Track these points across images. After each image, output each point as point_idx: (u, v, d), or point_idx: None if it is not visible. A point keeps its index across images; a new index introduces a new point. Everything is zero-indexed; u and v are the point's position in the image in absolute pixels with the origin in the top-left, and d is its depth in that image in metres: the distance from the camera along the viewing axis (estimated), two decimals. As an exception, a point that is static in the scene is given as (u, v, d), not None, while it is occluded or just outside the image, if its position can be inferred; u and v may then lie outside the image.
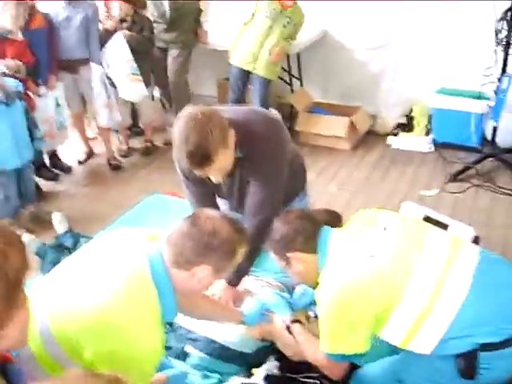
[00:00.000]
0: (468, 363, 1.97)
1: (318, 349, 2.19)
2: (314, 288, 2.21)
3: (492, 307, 1.98)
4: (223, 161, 2.34)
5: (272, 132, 2.56)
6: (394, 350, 2.27)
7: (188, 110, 2.27)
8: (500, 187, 4.32)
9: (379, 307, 1.99)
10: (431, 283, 1.98)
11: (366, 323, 2.02)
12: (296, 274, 2.28)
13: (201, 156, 2.23)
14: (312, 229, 2.23)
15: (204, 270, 1.84)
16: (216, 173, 2.41)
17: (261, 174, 2.56)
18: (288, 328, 2.43)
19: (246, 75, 5.11)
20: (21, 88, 3.83)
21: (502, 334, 1.94)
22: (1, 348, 1.05)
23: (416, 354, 2.11)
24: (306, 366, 2.47)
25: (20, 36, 4.03)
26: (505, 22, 4.13)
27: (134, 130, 5.64)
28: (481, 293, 1.98)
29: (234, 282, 2.67)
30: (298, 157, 2.88)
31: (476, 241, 2.99)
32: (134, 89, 4.79)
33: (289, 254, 2.20)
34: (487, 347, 1.94)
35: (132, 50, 4.67)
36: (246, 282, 2.82)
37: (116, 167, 5.00)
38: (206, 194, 2.76)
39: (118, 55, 4.65)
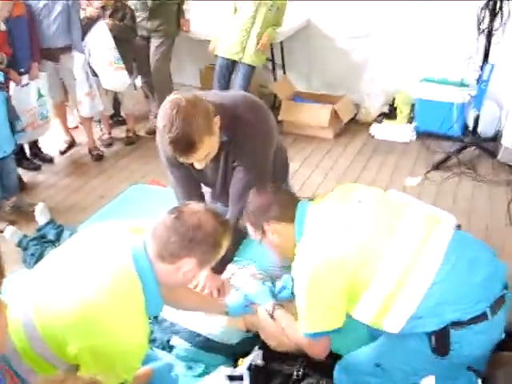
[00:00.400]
0: (440, 340, 2.01)
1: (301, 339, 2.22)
2: (291, 261, 2.22)
3: (461, 286, 2.01)
4: (207, 148, 2.32)
5: (258, 116, 2.55)
6: (373, 336, 2.32)
7: (173, 97, 2.25)
8: (481, 176, 4.36)
9: (354, 280, 2.01)
10: (404, 261, 2.00)
11: (341, 298, 2.04)
12: (272, 245, 2.29)
13: (185, 143, 2.21)
14: (287, 198, 2.26)
15: (188, 264, 1.84)
16: (200, 160, 2.39)
17: (245, 157, 2.54)
18: (271, 315, 2.44)
19: (232, 66, 5.09)
20: (1, 78, 3.77)
21: (470, 312, 1.98)
22: None
23: (391, 339, 2.17)
24: (289, 357, 2.49)
25: (3, 27, 3.95)
26: (487, 11, 4.14)
27: (116, 119, 5.61)
28: (451, 271, 2.00)
29: (217, 269, 2.66)
30: (281, 149, 2.88)
31: (458, 229, 3.01)
32: (116, 77, 4.75)
33: (265, 224, 2.21)
34: (457, 325, 1.98)
35: (114, 39, 4.62)
36: (230, 272, 2.82)
37: (98, 157, 4.96)
38: (190, 180, 2.74)
39: (100, 43, 4.60)
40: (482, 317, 1.99)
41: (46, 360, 1.84)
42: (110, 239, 1.93)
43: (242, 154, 2.53)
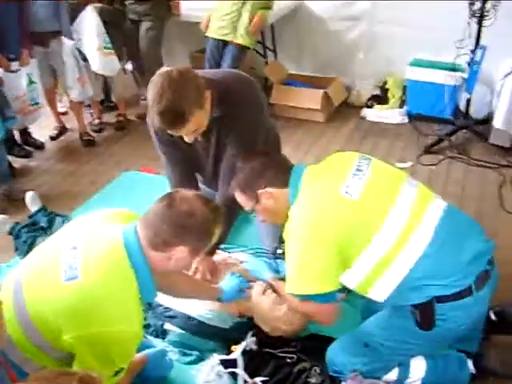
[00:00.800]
0: (425, 314, 2.05)
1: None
2: (282, 224, 2.22)
3: (449, 262, 2.05)
4: (197, 121, 2.29)
5: (249, 91, 2.54)
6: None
7: (165, 69, 2.22)
8: (473, 159, 4.35)
9: (347, 245, 2.03)
10: (397, 232, 2.03)
11: (333, 260, 2.04)
12: (266, 212, 2.27)
13: (174, 114, 2.17)
14: (280, 162, 2.25)
15: (181, 251, 1.84)
16: (189, 133, 2.35)
17: (238, 133, 2.52)
18: (272, 287, 2.44)
19: (222, 46, 5.01)
20: None
21: (455, 287, 2.02)
22: None
23: (377, 317, 2.23)
24: (283, 341, 2.51)
25: None
26: (478, -6, 4.13)
27: (107, 104, 5.56)
28: (440, 247, 2.04)
29: (209, 250, 2.66)
30: (273, 129, 2.86)
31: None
32: (105, 62, 4.69)
33: (258, 190, 2.19)
34: (442, 299, 2.02)
35: (103, 23, 4.57)
36: (222, 257, 2.83)
37: (89, 142, 4.92)
38: (182, 162, 2.73)
39: (89, 28, 4.55)
40: (467, 291, 2.03)
41: (41, 350, 1.84)
42: (102, 228, 1.92)
43: (234, 129, 2.51)
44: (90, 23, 4.54)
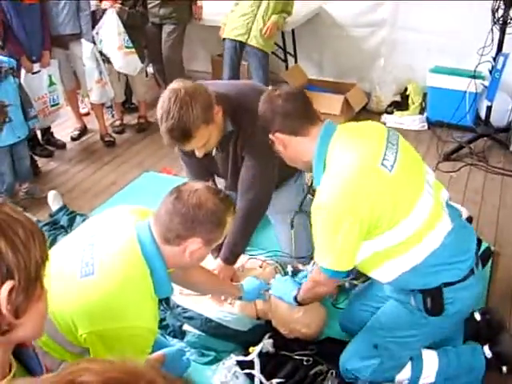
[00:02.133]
0: (435, 300, 2.07)
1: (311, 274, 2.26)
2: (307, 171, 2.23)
3: (461, 250, 2.09)
4: (204, 137, 2.32)
5: None
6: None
7: (172, 85, 2.26)
8: (493, 167, 4.34)
9: (373, 224, 1.96)
10: (424, 217, 2.00)
11: (358, 239, 1.98)
12: (282, 155, 2.24)
13: (180, 132, 2.22)
14: (292, 108, 2.12)
15: (195, 244, 1.83)
16: (198, 148, 2.39)
17: (253, 147, 2.55)
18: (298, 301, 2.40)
19: (240, 49, 5.02)
20: (14, 65, 3.78)
21: (462, 271, 2.07)
22: (16, 338, 1.05)
23: (381, 317, 2.27)
24: (300, 344, 2.52)
25: None
26: (502, 1, 4.10)
27: (128, 106, 5.61)
28: (455, 236, 2.06)
29: (230, 261, 2.69)
30: None
31: (469, 220, 3.02)
32: (127, 61, 4.74)
33: (271, 136, 2.17)
34: (449, 283, 2.06)
35: (125, 25, 4.62)
36: (240, 262, 2.84)
37: (110, 143, 4.98)
38: (201, 169, 2.77)
39: (110, 29, 4.60)
40: (470, 272, 2.08)
41: (59, 344, 1.87)
42: (117, 224, 1.94)
43: (250, 144, 2.54)
44: (110, 24, 4.59)
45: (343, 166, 1.99)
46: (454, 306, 2.09)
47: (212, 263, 2.69)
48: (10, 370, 1.08)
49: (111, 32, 4.60)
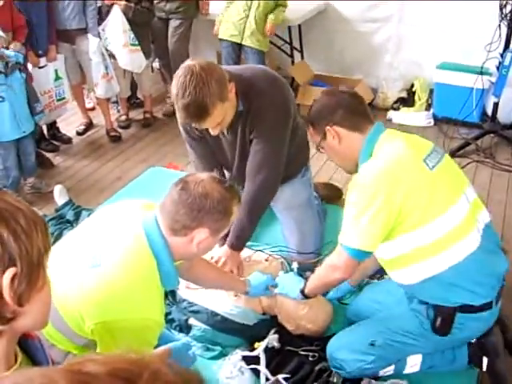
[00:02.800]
0: (446, 321, 2.06)
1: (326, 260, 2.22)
2: (349, 172, 2.24)
3: (486, 269, 2.06)
4: (220, 114, 2.32)
5: (275, 88, 2.55)
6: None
7: (187, 63, 2.26)
8: (500, 163, 4.33)
9: (406, 214, 1.95)
10: (457, 223, 1.99)
11: (387, 223, 1.96)
12: (330, 150, 2.23)
13: (197, 108, 2.21)
14: (356, 105, 2.18)
15: (202, 233, 1.83)
16: (214, 125, 2.39)
17: (263, 128, 2.53)
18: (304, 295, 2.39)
19: (236, 48, 5.07)
20: (21, 59, 3.77)
21: (482, 297, 2.03)
22: (20, 327, 1.06)
23: (388, 319, 2.24)
24: (305, 340, 2.52)
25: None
26: (509, -3, 4.10)
27: (134, 101, 5.61)
28: (483, 253, 2.03)
29: (237, 246, 2.67)
30: (301, 128, 2.86)
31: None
32: (132, 58, 4.75)
33: (326, 127, 2.15)
34: (465, 308, 2.03)
35: (131, 22, 4.63)
36: (246, 255, 2.84)
37: (115, 138, 4.98)
38: (209, 156, 2.76)
39: (115, 26, 4.61)
40: (489, 305, 2.05)
41: (65, 336, 1.87)
42: (122, 217, 1.94)
43: (259, 125, 2.53)
44: (115, 22, 4.60)
45: (388, 153, 2.05)
46: (462, 332, 2.08)
47: (218, 251, 2.68)
48: (16, 361, 1.08)
49: (116, 30, 4.62)
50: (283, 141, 2.59)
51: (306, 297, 2.37)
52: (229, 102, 2.35)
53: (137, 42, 4.71)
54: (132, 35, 4.66)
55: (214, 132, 2.44)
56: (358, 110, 2.17)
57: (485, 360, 2.33)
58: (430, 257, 2.00)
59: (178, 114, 2.34)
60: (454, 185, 2.08)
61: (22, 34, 4.01)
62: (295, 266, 2.78)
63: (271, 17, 4.89)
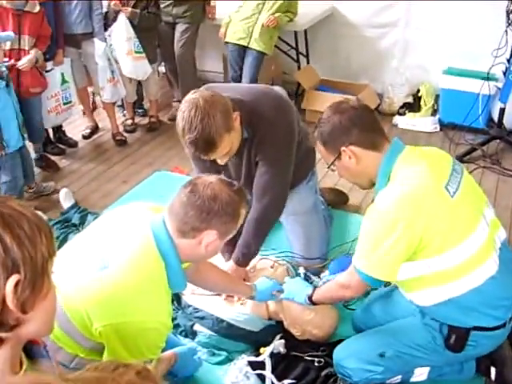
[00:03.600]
0: (460, 339, 2.04)
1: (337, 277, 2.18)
2: (363, 188, 2.17)
3: (502, 292, 2.03)
4: (228, 145, 2.34)
5: (279, 113, 2.55)
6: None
7: (190, 97, 2.27)
8: (506, 169, 4.31)
9: (426, 242, 1.90)
10: (475, 250, 1.95)
11: (407, 252, 1.91)
12: (345, 170, 2.13)
13: (204, 143, 2.23)
14: (370, 123, 2.06)
15: (210, 236, 1.84)
16: (221, 156, 2.41)
17: (268, 153, 2.56)
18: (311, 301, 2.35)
19: (242, 52, 5.07)
20: (4, 68, 3.59)
21: (497, 320, 2.02)
22: (25, 334, 1.05)
23: (400, 331, 2.21)
24: (311, 346, 2.51)
25: (37, 7, 3.89)
26: (516, 2, 4.09)
27: (139, 106, 5.56)
28: (501, 275, 2.00)
29: (242, 263, 2.68)
30: (307, 139, 2.86)
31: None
32: (136, 66, 4.75)
33: (341, 148, 2.04)
34: (479, 328, 2.01)
35: (137, 27, 4.63)
36: (252, 262, 2.83)
37: (121, 142, 4.98)
38: (213, 170, 2.76)
39: (119, 34, 4.61)
40: (503, 324, 2.04)
41: (73, 339, 1.87)
42: (130, 219, 1.95)
43: (264, 150, 2.55)
44: (119, 30, 4.60)
45: (408, 178, 1.96)
46: (475, 349, 2.06)
47: (224, 266, 2.68)
48: (21, 367, 1.08)
49: (120, 38, 4.62)
50: (288, 163, 2.61)
51: (313, 303, 2.36)
52: (234, 132, 2.36)
53: (141, 50, 4.70)
54: (137, 42, 4.66)
55: (221, 161, 2.47)
56: (373, 127, 2.07)
57: (493, 370, 2.33)
58: (448, 281, 1.96)
59: (185, 149, 2.35)
60: (473, 210, 2.02)
61: (44, 44, 4.03)
62: (302, 271, 2.77)
63: (278, 14, 4.90)
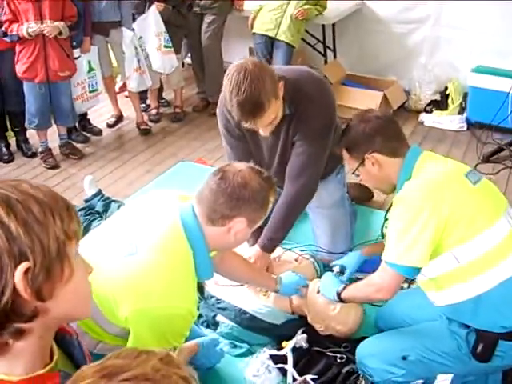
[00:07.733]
0: (487, 347, 1.98)
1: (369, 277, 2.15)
2: (385, 193, 2.26)
3: None
4: (274, 111, 2.31)
5: (322, 93, 2.53)
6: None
7: (239, 62, 2.25)
8: (534, 170, 4.24)
9: (451, 226, 1.90)
10: (499, 240, 1.93)
11: (435, 236, 1.91)
12: (368, 176, 2.23)
13: (253, 105, 2.19)
14: (393, 130, 2.18)
15: (239, 223, 1.84)
16: (265, 124, 2.36)
17: (308, 132, 2.51)
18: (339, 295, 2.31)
19: (269, 43, 5.03)
20: None
21: None
22: (53, 322, 1.00)
23: (426, 335, 2.15)
24: (333, 341, 2.48)
25: None
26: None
27: (160, 101, 5.55)
28: None
29: (268, 248, 2.64)
30: (339, 126, 2.83)
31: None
32: (165, 60, 4.75)
33: (365, 155, 2.14)
34: (508, 336, 1.95)
35: (166, 22, 4.63)
36: (276, 253, 2.81)
37: (145, 132, 4.98)
38: (245, 153, 2.70)
39: (149, 28, 4.61)
40: None
41: (98, 324, 1.87)
42: (159, 206, 1.95)
43: (304, 128, 2.50)
44: (150, 23, 4.60)
45: (431, 171, 2.06)
46: (503, 360, 2.01)
47: (248, 250, 2.65)
48: (52, 358, 1.05)
49: (151, 32, 4.63)
50: (326, 146, 2.56)
51: (341, 300, 2.33)
52: (279, 100, 2.33)
53: (170, 44, 4.71)
54: (167, 37, 4.67)
55: (264, 132, 2.42)
56: (395, 136, 2.17)
57: None
58: (474, 275, 1.93)
59: (222, 114, 2.32)
60: (496, 202, 2.03)
61: (70, 21, 4.06)
62: (336, 269, 2.66)
63: (307, 7, 4.87)
